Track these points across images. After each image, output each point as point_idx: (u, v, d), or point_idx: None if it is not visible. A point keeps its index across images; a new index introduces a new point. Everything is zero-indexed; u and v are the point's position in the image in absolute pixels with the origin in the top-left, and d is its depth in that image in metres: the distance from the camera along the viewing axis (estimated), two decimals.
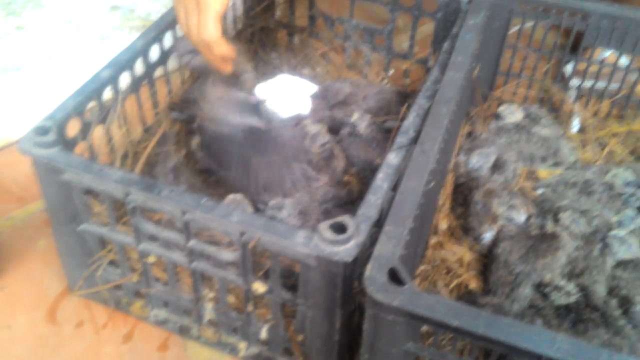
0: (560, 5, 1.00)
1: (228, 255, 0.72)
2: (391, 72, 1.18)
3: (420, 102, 0.82)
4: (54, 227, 0.82)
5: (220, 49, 0.84)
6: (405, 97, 1.05)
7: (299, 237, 0.64)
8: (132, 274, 0.83)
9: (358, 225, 0.64)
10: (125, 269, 0.83)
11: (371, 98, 1.02)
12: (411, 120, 0.79)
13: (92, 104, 0.83)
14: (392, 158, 0.74)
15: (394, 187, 0.70)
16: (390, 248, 0.60)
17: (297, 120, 1.02)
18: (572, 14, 1.00)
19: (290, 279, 0.73)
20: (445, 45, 0.91)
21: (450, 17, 1.04)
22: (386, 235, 0.61)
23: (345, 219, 0.64)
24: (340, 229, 0.63)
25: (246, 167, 0.93)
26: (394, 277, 0.57)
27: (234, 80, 0.98)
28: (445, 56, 0.88)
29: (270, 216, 0.85)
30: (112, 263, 0.85)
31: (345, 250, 0.62)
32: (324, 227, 0.63)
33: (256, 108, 0.95)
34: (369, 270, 0.58)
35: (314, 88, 1.08)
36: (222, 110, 0.94)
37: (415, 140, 0.75)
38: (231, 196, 0.89)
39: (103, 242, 0.83)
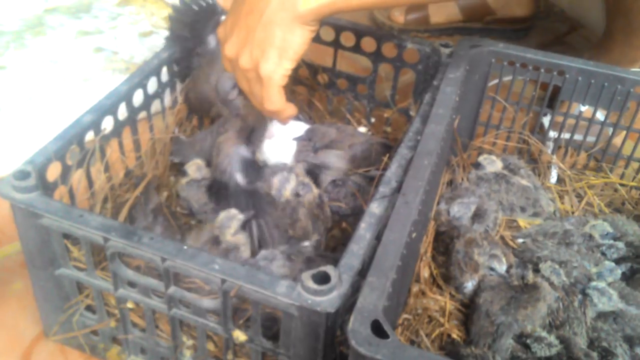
0: (537, 61, 1.03)
1: (208, 303, 0.72)
2: (373, 120, 1.19)
3: (402, 152, 0.83)
4: (31, 271, 0.80)
5: (287, 113, 0.88)
6: (389, 149, 1.07)
7: (281, 286, 0.64)
8: (109, 320, 0.82)
9: (341, 275, 0.64)
10: (103, 314, 0.82)
11: (357, 147, 1.03)
12: (393, 171, 0.80)
13: (73, 147, 0.83)
14: (375, 207, 0.74)
15: (377, 237, 0.71)
16: (373, 300, 0.60)
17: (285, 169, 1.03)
18: (548, 70, 1.03)
19: (272, 327, 0.72)
20: (427, 97, 0.93)
21: (430, 70, 1.06)
22: (369, 287, 0.61)
23: (328, 269, 0.64)
24: (323, 279, 0.63)
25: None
26: (378, 329, 0.57)
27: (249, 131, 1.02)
28: (426, 108, 0.90)
29: (262, 266, 0.85)
30: (89, 308, 0.83)
31: (328, 300, 0.62)
32: (307, 277, 0.63)
33: (260, 169, 0.99)
34: (352, 322, 0.57)
35: (304, 128, 1.08)
36: (229, 164, 0.98)
37: (397, 190, 0.76)
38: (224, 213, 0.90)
39: (80, 287, 0.82)
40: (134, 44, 1.42)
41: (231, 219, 0.90)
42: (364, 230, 0.71)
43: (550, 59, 1.02)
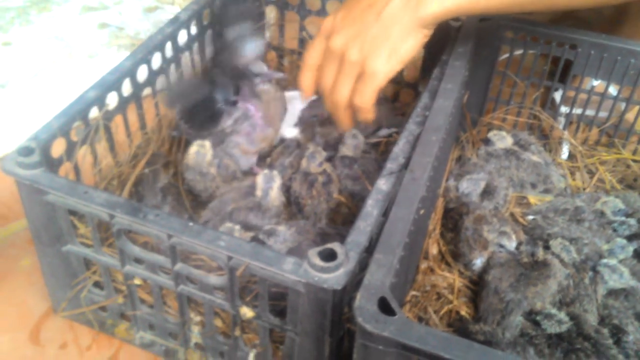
0: (549, 34, 1.01)
1: (215, 279, 0.71)
2: (381, 95, 1.18)
3: (410, 128, 0.82)
4: (38, 248, 0.80)
5: (366, 116, 0.85)
6: (391, 102, 1.06)
7: (287, 263, 0.64)
8: (117, 296, 0.82)
9: (347, 252, 0.64)
10: (110, 291, 0.82)
11: None
12: (401, 147, 0.79)
13: (77, 124, 0.82)
14: (382, 184, 0.74)
15: (384, 213, 0.70)
16: (380, 277, 0.59)
17: (295, 143, 1.03)
18: (560, 44, 1.01)
19: (281, 301, 0.72)
20: (435, 71, 0.91)
21: (439, 44, 1.04)
22: (376, 264, 0.61)
23: (334, 245, 0.63)
24: (329, 256, 0.62)
25: None
26: (384, 306, 0.56)
27: None
28: (434, 83, 0.88)
29: (261, 240, 0.84)
30: (96, 284, 0.84)
31: (334, 277, 0.62)
32: (313, 254, 0.62)
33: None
34: (359, 299, 0.57)
35: (309, 99, 1.08)
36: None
37: (405, 167, 0.75)
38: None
39: (88, 263, 0.82)
40: (139, 19, 1.41)
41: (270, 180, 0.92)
42: (371, 207, 0.70)
43: (562, 33, 1.00)
